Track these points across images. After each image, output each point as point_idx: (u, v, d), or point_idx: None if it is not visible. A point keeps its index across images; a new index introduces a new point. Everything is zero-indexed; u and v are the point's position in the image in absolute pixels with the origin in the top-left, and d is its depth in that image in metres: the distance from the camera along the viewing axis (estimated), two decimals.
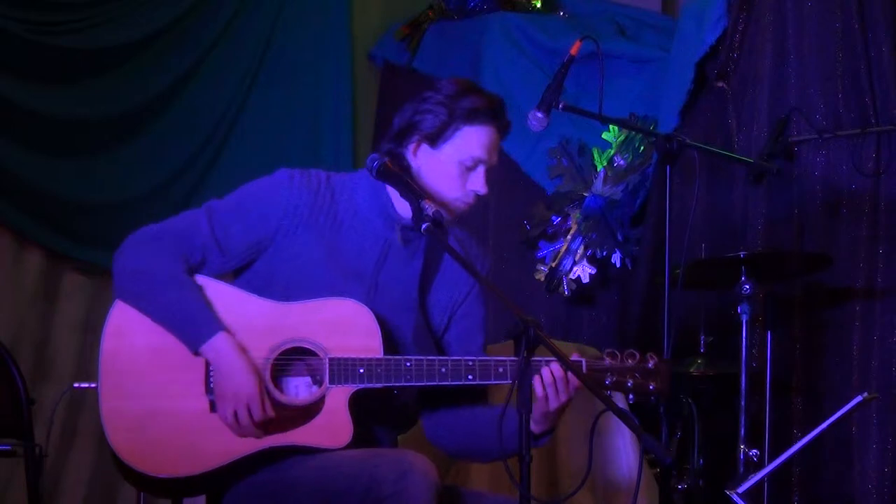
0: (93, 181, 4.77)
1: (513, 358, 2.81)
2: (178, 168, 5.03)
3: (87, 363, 4.68)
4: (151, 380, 2.80)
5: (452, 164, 2.93)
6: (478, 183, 2.94)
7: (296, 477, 2.78)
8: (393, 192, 2.97)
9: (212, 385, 2.82)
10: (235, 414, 2.77)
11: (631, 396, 2.90)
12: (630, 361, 2.87)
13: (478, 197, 2.96)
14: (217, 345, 2.78)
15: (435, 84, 2.98)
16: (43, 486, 3.55)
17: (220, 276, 2.92)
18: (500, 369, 2.84)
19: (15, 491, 4.42)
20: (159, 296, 2.81)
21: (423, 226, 2.74)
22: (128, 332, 2.83)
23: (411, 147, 2.96)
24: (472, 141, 2.92)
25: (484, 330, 3.09)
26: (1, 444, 3.50)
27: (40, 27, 4.53)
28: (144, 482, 2.82)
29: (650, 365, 2.88)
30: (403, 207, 2.96)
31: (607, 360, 2.87)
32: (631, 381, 2.87)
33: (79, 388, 3.40)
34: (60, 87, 4.67)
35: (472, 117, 2.92)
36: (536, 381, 2.79)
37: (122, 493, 4.78)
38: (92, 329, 4.67)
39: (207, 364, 2.82)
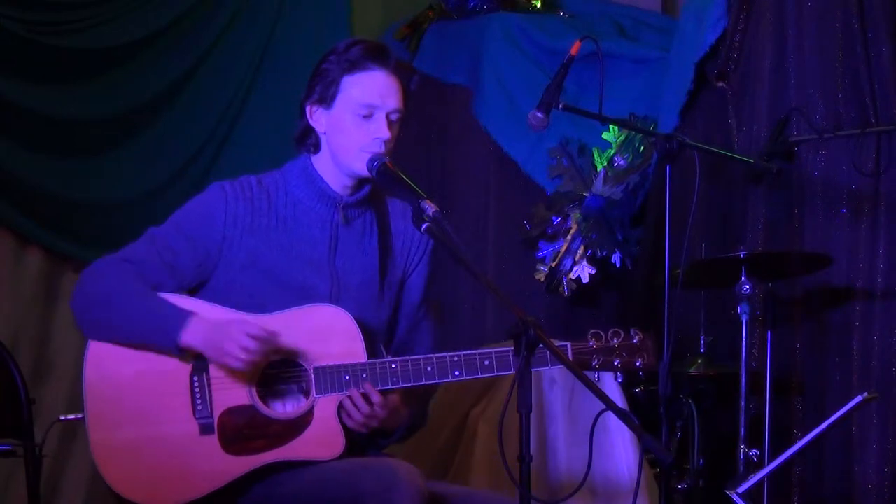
0: (93, 181, 4.77)
1: (498, 349, 2.82)
2: (178, 168, 5.02)
3: None
4: (137, 407, 2.78)
5: (347, 117, 2.91)
6: (379, 129, 2.89)
7: (290, 492, 2.76)
8: (322, 167, 2.96)
9: (205, 380, 2.78)
10: (245, 349, 2.71)
11: (619, 375, 2.90)
12: (615, 340, 2.88)
13: (386, 144, 2.89)
14: (194, 328, 2.76)
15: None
16: (43, 486, 3.54)
17: None
18: (486, 362, 2.83)
19: (15, 491, 4.41)
20: (121, 312, 2.79)
21: (424, 226, 2.72)
22: (108, 360, 2.81)
23: (310, 115, 2.97)
24: (357, 89, 2.91)
25: (423, 288, 3.05)
26: (1, 444, 3.50)
27: (40, 27, 4.52)
28: None
29: (635, 341, 2.88)
30: (337, 181, 2.94)
31: (592, 342, 2.87)
32: (618, 360, 2.87)
33: (65, 420, 3.32)
34: (60, 87, 4.66)
35: (352, 67, 2.91)
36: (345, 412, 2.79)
37: None
38: None
39: (192, 385, 2.79)
